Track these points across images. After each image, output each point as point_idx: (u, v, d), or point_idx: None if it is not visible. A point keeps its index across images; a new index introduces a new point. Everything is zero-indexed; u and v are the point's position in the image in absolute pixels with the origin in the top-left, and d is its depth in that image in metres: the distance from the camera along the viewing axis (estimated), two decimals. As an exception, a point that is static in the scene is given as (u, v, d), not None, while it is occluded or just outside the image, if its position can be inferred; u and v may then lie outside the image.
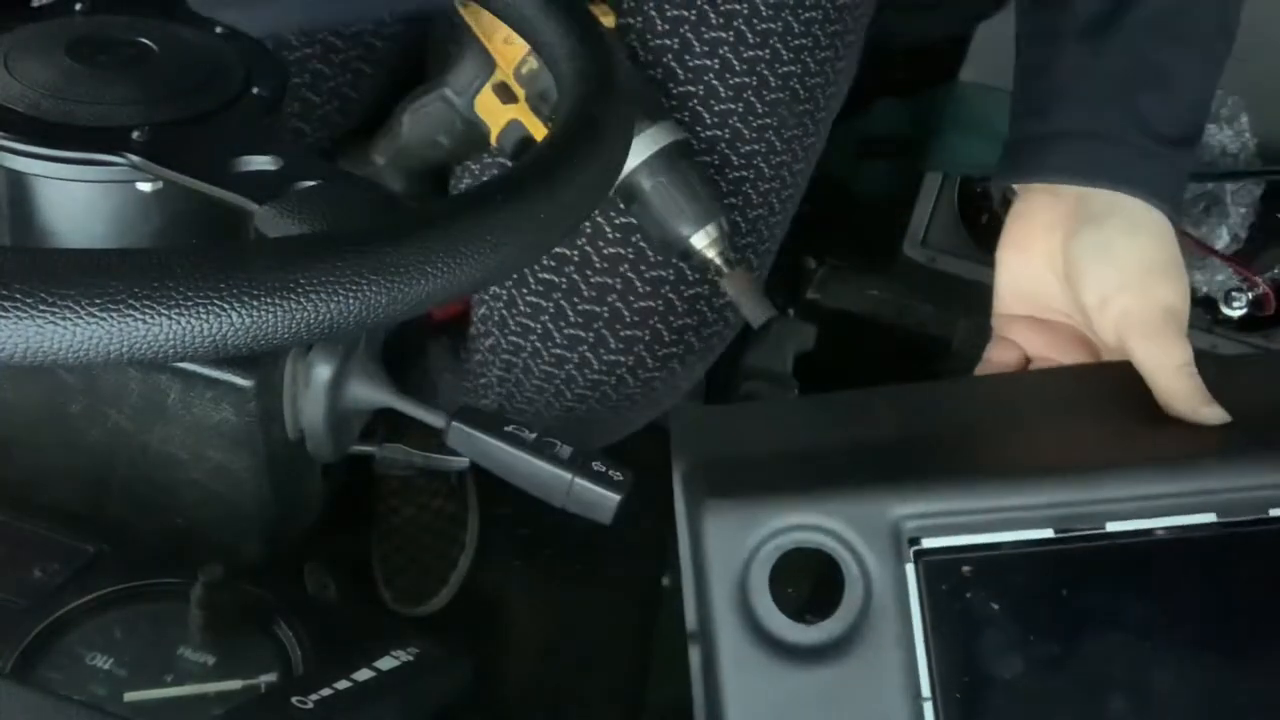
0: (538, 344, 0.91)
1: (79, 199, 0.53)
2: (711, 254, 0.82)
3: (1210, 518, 0.51)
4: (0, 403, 0.61)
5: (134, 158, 0.50)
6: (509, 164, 0.90)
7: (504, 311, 0.92)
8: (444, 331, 1.03)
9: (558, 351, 0.91)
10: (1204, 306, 1.09)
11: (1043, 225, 0.67)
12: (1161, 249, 0.64)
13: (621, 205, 0.85)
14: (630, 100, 0.55)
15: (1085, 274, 0.64)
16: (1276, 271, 1.09)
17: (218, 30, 0.58)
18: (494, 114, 0.85)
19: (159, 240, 0.54)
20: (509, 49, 0.82)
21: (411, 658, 0.57)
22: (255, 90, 0.55)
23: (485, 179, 0.92)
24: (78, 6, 0.57)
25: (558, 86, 0.55)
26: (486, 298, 0.93)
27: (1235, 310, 1.09)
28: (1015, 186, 0.70)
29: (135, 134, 0.50)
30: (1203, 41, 0.67)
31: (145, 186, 0.52)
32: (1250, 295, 1.08)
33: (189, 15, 0.59)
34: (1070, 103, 0.67)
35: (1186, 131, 0.67)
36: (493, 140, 0.86)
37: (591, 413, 0.94)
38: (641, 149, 0.82)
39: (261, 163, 0.49)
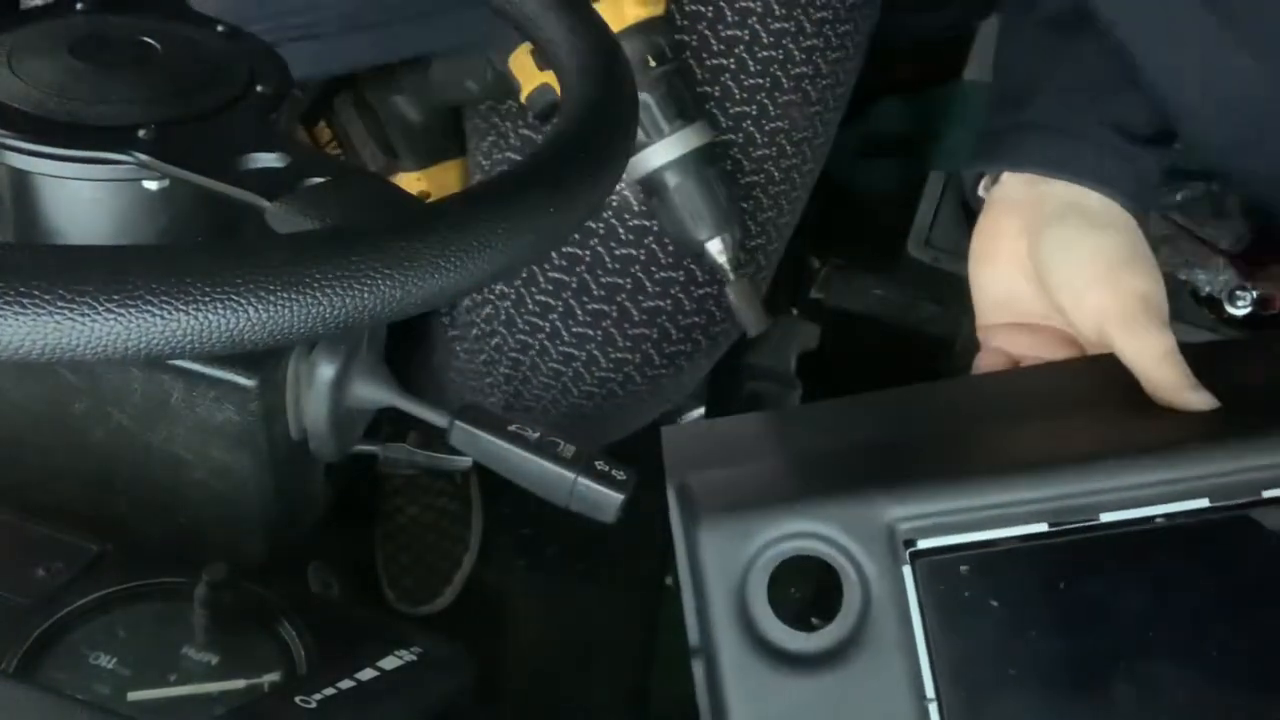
0: (546, 342, 0.91)
1: (85, 197, 0.53)
2: (722, 260, 0.83)
3: (1203, 503, 0.51)
4: (4, 403, 0.61)
5: (142, 156, 0.50)
6: (526, 133, 0.91)
7: (511, 310, 0.92)
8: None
9: (565, 349, 0.91)
10: (1208, 305, 1.09)
11: (1006, 234, 0.66)
12: (1125, 242, 0.63)
13: (642, 196, 0.85)
14: (633, 97, 0.55)
15: (1054, 274, 0.64)
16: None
17: (219, 29, 0.58)
18: (528, 74, 0.85)
19: (164, 238, 0.54)
20: None
21: (415, 657, 0.57)
22: (259, 88, 0.55)
23: (497, 160, 0.93)
24: (79, 5, 0.57)
25: (560, 84, 0.55)
26: (492, 297, 0.93)
27: (1239, 309, 1.08)
28: (980, 195, 0.70)
29: (141, 132, 0.50)
30: None
31: (151, 185, 0.52)
32: (1254, 294, 1.08)
33: (188, 13, 0.59)
34: (1042, 96, 0.67)
35: (1161, 129, 0.67)
36: (523, 98, 0.86)
37: (598, 410, 0.94)
38: (674, 147, 0.82)
39: (268, 160, 0.49)
